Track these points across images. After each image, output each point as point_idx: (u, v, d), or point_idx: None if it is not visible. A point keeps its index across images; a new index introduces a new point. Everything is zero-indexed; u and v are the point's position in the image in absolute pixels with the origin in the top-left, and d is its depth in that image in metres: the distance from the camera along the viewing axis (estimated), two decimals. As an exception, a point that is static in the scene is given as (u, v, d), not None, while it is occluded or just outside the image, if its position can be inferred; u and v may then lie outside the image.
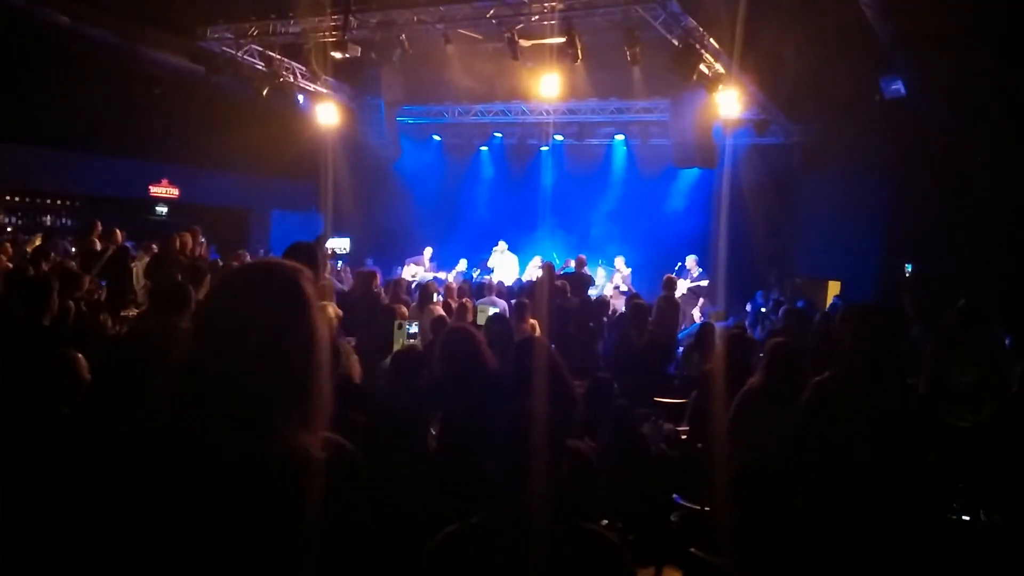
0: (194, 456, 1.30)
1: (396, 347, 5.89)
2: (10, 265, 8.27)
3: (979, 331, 5.65)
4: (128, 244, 9.97)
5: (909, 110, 11.21)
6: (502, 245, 14.65)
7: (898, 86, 10.95)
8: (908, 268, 12.41)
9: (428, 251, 14.65)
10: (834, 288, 13.11)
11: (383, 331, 7.00)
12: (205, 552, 1.28)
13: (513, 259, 14.61)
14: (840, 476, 3.16)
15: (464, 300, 8.38)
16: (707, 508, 4.13)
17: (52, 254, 9.00)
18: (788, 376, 3.92)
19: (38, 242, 10.19)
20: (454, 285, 10.30)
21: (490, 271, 14.25)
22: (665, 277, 9.67)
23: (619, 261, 13.70)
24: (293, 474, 1.33)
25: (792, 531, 3.24)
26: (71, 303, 5.78)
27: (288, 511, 1.31)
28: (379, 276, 9.47)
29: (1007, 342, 6.78)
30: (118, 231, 9.77)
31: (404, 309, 7.72)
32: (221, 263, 9.97)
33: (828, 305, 11.72)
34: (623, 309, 10.80)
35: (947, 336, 5.03)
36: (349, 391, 3.86)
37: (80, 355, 3.31)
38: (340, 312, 6.05)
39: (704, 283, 12.54)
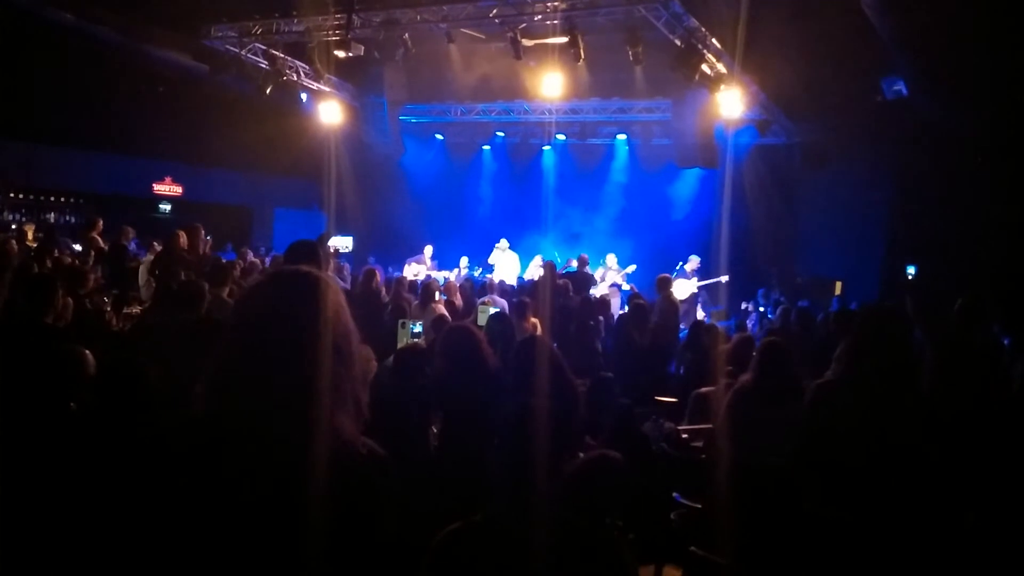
0: (238, 451, 1.34)
1: (399, 346, 5.91)
2: (14, 262, 8.29)
3: (980, 330, 5.66)
4: (133, 242, 10.01)
5: (910, 110, 11.22)
6: (503, 243, 14.66)
7: (899, 86, 10.96)
8: (910, 270, 12.41)
9: (428, 249, 14.67)
10: (839, 288, 13.12)
11: (385, 329, 7.03)
12: (242, 541, 1.31)
13: (514, 257, 14.63)
14: (843, 477, 3.18)
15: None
16: (701, 506, 4.14)
17: (55, 251, 9.03)
18: (779, 375, 3.94)
19: (30, 235, 10.22)
20: (454, 284, 10.32)
21: (491, 269, 14.26)
22: (659, 277, 9.68)
23: (611, 259, 13.66)
24: (337, 465, 1.37)
25: (788, 529, 3.26)
26: (74, 300, 5.81)
27: (331, 502, 1.35)
28: (380, 274, 9.50)
29: (1006, 342, 6.80)
30: (129, 229, 9.80)
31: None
32: (241, 263, 9.99)
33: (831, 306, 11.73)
34: (617, 307, 10.84)
35: (949, 336, 5.05)
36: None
37: (87, 351, 3.33)
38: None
39: (724, 279, 12.45)
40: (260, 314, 1.46)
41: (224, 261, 8.22)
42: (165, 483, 1.34)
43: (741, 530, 3.48)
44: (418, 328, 6.55)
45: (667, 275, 9.89)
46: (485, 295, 9.60)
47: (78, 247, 10.32)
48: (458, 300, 9.24)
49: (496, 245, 14.69)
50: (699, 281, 12.64)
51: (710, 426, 4.57)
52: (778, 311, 9.38)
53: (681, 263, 12.85)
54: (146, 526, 1.33)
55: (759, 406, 3.89)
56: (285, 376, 1.39)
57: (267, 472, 1.33)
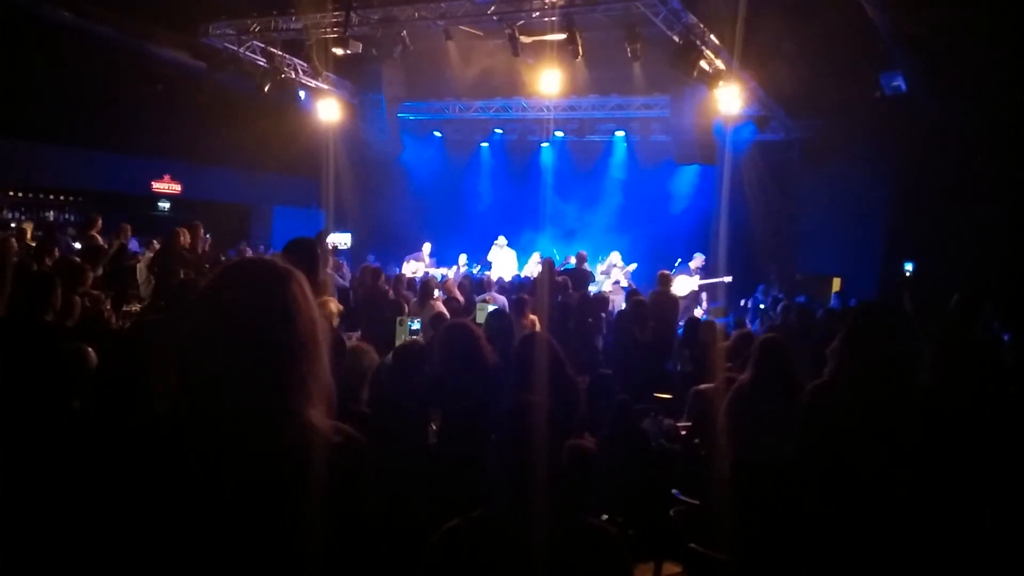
0: (210, 444, 1.33)
1: (398, 343, 5.92)
2: (15, 260, 8.29)
3: (979, 325, 5.68)
4: (133, 240, 10.01)
5: (909, 106, 11.22)
6: (501, 240, 14.68)
7: (898, 82, 10.96)
8: (908, 267, 12.42)
9: (427, 247, 14.67)
10: (834, 285, 13.13)
11: (388, 326, 7.04)
12: (224, 537, 1.31)
13: (512, 254, 14.64)
14: (843, 475, 3.18)
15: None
16: (700, 502, 4.15)
17: (55, 249, 9.02)
18: (777, 371, 3.94)
19: (29, 233, 10.21)
20: (453, 281, 10.33)
21: (489, 266, 14.27)
22: (659, 273, 9.68)
23: (615, 256, 13.69)
24: (311, 456, 1.36)
25: (787, 525, 3.26)
26: (77, 298, 5.81)
27: (308, 494, 1.35)
28: (382, 272, 9.51)
29: (1006, 338, 6.82)
30: (127, 226, 9.80)
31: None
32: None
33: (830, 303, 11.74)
34: (621, 305, 10.84)
35: (947, 330, 5.05)
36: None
37: (90, 349, 3.34)
38: (341, 307, 6.08)
39: (727, 279, 12.46)
40: (222, 306, 1.44)
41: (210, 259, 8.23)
42: (133, 481, 1.33)
43: (741, 527, 3.49)
44: (416, 325, 6.57)
45: (667, 271, 9.90)
46: (483, 292, 9.61)
47: (78, 245, 10.32)
48: (459, 297, 9.26)
49: (495, 242, 14.70)
50: (701, 280, 12.65)
51: (709, 423, 4.58)
52: (779, 308, 9.39)
53: (680, 260, 12.87)
54: (122, 523, 1.32)
55: (758, 403, 3.89)
56: (250, 368, 1.38)
57: (235, 467, 1.32)
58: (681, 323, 9.10)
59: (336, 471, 1.38)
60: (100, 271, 7.97)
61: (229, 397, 1.36)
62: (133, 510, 1.32)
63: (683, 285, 11.83)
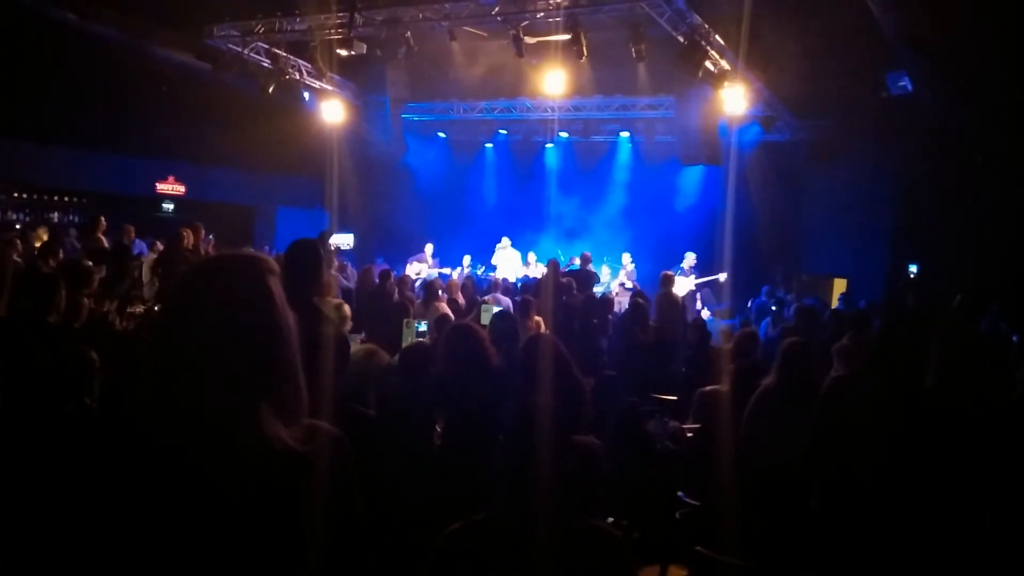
0: (167, 450, 1.30)
1: (405, 344, 5.91)
2: (19, 260, 8.30)
3: (984, 324, 5.64)
4: (137, 242, 10.01)
5: (915, 106, 11.18)
6: (505, 241, 14.67)
7: (904, 82, 10.92)
8: (912, 268, 12.38)
9: (429, 247, 14.67)
10: (840, 286, 13.08)
11: (393, 328, 7.03)
12: (181, 546, 1.28)
13: (516, 255, 14.62)
14: (854, 474, 3.16)
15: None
16: (703, 504, 4.12)
17: (60, 251, 9.02)
18: (803, 376, 3.92)
19: (44, 236, 10.21)
20: (456, 282, 10.31)
21: (494, 268, 14.26)
22: (662, 274, 9.65)
23: (625, 258, 13.69)
24: (266, 465, 1.31)
25: (807, 530, 3.24)
26: (84, 300, 5.80)
27: (266, 502, 1.30)
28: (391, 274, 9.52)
29: (1015, 339, 6.76)
30: (130, 227, 9.80)
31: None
32: None
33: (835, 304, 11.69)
34: (626, 301, 10.82)
35: (951, 331, 5.02)
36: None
37: (92, 351, 3.32)
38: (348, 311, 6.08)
39: (722, 277, 12.44)
40: (187, 306, 1.39)
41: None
42: (103, 484, 1.31)
43: (757, 531, 3.46)
44: (423, 327, 6.55)
45: (670, 272, 9.87)
46: (488, 294, 9.59)
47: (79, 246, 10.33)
48: (460, 298, 9.24)
49: (498, 245, 14.68)
50: (696, 279, 12.62)
51: (715, 425, 4.55)
52: (792, 310, 9.35)
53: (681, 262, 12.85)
54: (92, 526, 1.30)
55: (783, 407, 3.87)
56: (210, 375, 1.33)
57: (184, 476, 1.29)
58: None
59: (297, 478, 1.33)
60: (104, 272, 7.96)
61: (185, 403, 1.32)
62: (100, 513, 1.30)
63: (679, 286, 11.81)
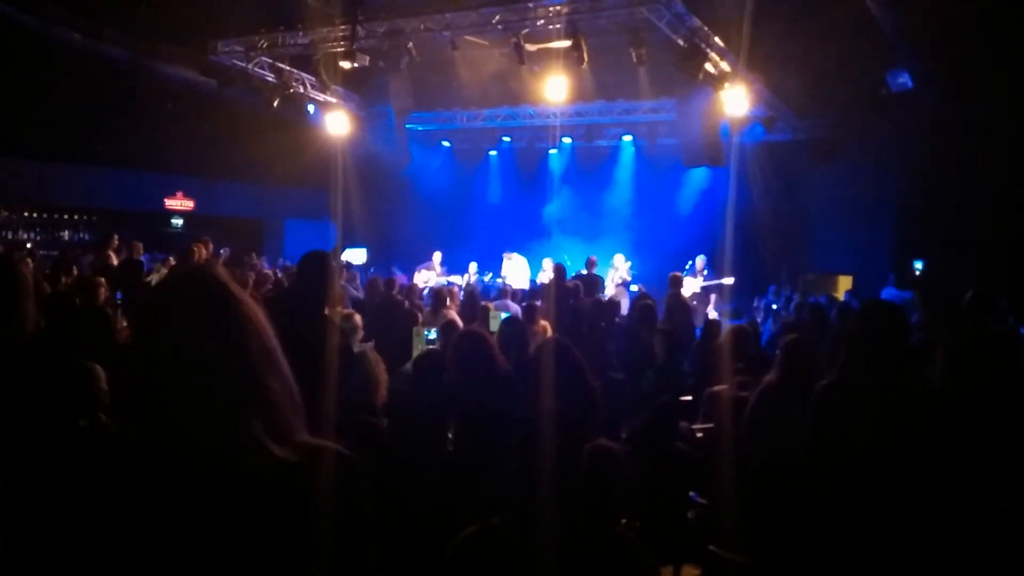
0: (155, 470, 1.27)
1: (415, 353, 5.96)
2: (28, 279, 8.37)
3: (993, 320, 5.63)
4: (143, 258, 10.09)
5: (916, 103, 11.19)
6: (508, 255, 14.69)
7: (904, 79, 10.93)
8: (917, 265, 12.36)
9: (437, 256, 14.71)
10: (845, 283, 13.08)
11: (403, 336, 7.07)
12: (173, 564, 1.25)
13: (524, 262, 14.65)
14: (854, 473, 3.18)
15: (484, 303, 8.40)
16: (715, 505, 4.15)
17: (74, 268, 9.12)
18: (803, 372, 3.93)
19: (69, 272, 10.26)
20: (454, 291, 10.33)
21: (501, 276, 14.29)
22: (671, 275, 9.67)
23: (618, 258, 13.68)
24: (255, 478, 1.27)
25: (810, 527, 3.25)
26: (90, 315, 5.87)
27: (256, 522, 1.27)
28: (402, 281, 9.54)
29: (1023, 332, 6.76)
30: (139, 244, 9.89)
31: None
32: (252, 273, 10.04)
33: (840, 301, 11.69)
34: (625, 303, 10.85)
35: (959, 327, 5.02)
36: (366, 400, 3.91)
37: (98, 366, 3.35)
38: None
39: (728, 280, 12.46)
40: (161, 326, 1.33)
41: (236, 274, 8.28)
42: (98, 502, 1.29)
43: (762, 529, 3.48)
44: (433, 335, 6.60)
45: (678, 273, 9.88)
46: (497, 300, 9.62)
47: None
48: (454, 307, 9.23)
49: (505, 257, 14.71)
50: (704, 281, 12.64)
51: (722, 424, 4.57)
52: (791, 307, 9.37)
53: (691, 263, 12.86)
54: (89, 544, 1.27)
55: (785, 404, 3.88)
56: (190, 394, 1.28)
57: (173, 495, 1.25)
58: (698, 325, 9.11)
59: (289, 495, 1.29)
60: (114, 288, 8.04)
61: (167, 418, 1.29)
62: (96, 532, 1.27)
63: (686, 287, 11.83)
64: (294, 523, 1.28)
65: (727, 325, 8.47)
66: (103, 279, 7.07)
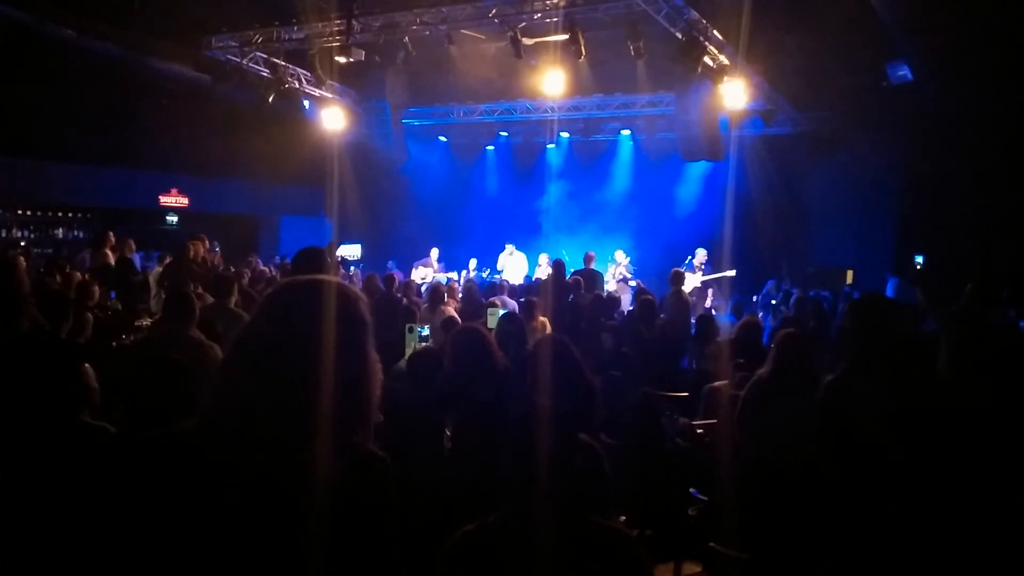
0: (231, 468, 1.31)
1: (408, 350, 5.90)
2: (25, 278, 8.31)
3: (995, 313, 5.59)
4: (136, 256, 10.05)
5: (916, 95, 11.14)
6: (509, 248, 14.66)
7: (904, 71, 10.88)
8: (918, 259, 12.32)
9: (435, 252, 14.67)
10: (847, 277, 13.03)
11: (401, 333, 7.01)
12: (234, 560, 1.29)
13: (522, 258, 14.62)
14: (861, 470, 3.14)
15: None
16: (714, 501, 4.11)
17: (67, 267, 9.06)
18: (797, 366, 3.89)
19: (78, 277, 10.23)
20: (456, 286, 10.28)
21: (499, 272, 14.25)
22: (672, 271, 9.63)
23: (618, 254, 13.66)
24: (361, 479, 1.37)
25: (806, 522, 3.22)
26: (88, 315, 5.83)
27: (344, 511, 1.34)
28: (399, 278, 9.49)
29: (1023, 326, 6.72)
30: (131, 241, 9.83)
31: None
32: (248, 271, 9.99)
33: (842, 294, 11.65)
34: (627, 299, 10.81)
35: (962, 321, 4.98)
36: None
37: (87, 365, 3.31)
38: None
39: (730, 273, 12.43)
40: (269, 327, 1.41)
41: (230, 271, 8.23)
42: (159, 492, 1.31)
43: (759, 524, 3.44)
44: (425, 332, 6.54)
45: (680, 269, 9.84)
46: (494, 296, 9.57)
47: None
48: (456, 303, 9.19)
49: (502, 252, 14.68)
50: (704, 276, 12.59)
51: (720, 419, 4.53)
52: (791, 302, 9.32)
53: (690, 257, 12.82)
54: (146, 536, 1.30)
55: (778, 398, 3.84)
56: (285, 400, 1.34)
57: (251, 492, 1.30)
58: (693, 320, 9.05)
59: (367, 489, 1.38)
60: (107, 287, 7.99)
61: (257, 426, 1.33)
62: (145, 527, 1.29)
63: (687, 282, 11.79)
64: (350, 523, 1.34)
65: (723, 320, 8.44)
66: (98, 279, 7.04)
